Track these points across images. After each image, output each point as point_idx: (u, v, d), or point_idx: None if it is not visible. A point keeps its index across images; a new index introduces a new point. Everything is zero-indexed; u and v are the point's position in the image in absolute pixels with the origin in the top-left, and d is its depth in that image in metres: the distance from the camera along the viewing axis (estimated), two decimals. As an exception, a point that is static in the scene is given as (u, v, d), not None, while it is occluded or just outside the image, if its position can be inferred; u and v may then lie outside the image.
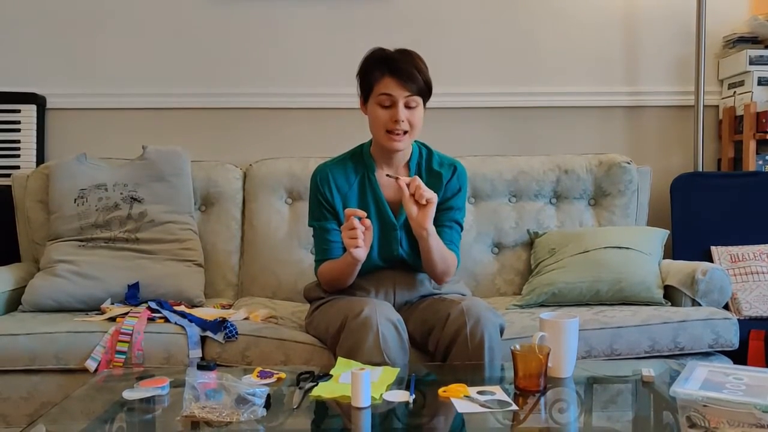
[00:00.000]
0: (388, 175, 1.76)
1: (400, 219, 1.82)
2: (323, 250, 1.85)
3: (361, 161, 1.87)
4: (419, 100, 1.75)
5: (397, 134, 1.74)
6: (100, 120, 2.72)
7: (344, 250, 1.82)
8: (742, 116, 2.60)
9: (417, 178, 1.68)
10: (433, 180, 1.85)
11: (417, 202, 1.67)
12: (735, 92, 2.67)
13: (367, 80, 1.76)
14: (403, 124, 1.73)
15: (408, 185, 1.67)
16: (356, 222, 1.64)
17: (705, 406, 1.27)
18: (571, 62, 2.76)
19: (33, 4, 2.69)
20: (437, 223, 1.85)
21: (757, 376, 1.39)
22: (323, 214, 1.84)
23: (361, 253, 1.67)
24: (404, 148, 1.78)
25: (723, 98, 2.77)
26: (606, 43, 2.77)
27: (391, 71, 1.72)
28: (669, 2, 2.75)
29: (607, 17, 2.76)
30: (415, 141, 1.88)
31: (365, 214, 1.66)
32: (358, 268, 1.75)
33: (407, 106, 1.73)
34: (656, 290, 2.13)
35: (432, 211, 1.68)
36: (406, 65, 1.73)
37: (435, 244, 1.73)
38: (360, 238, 1.64)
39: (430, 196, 1.67)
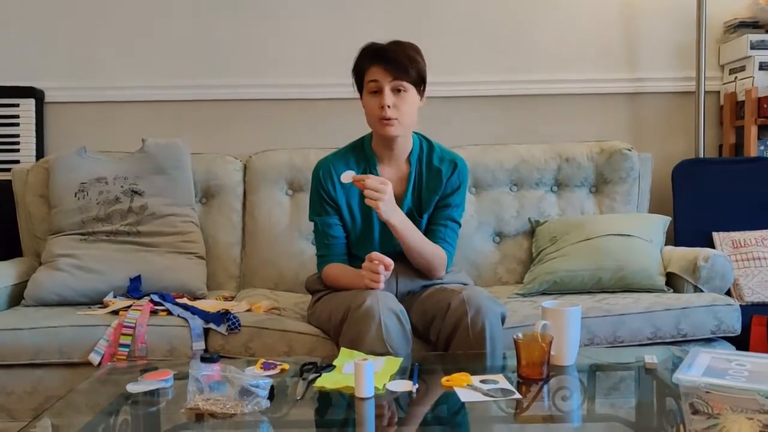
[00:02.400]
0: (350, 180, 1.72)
1: None
2: (325, 245, 1.85)
3: (362, 155, 1.86)
4: (407, 86, 1.74)
5: (387, 119, 1.73)
6: (100, 113, 2.71)
7: (351, 253, 1.87)
8: (743, 102, 2.59)
9: (370, 181, 1.66)
10: (432, 176, 1.85)
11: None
12: (736, 77, 2.66)
13: (358, 72, 1.78)
14: (390, 109, 1.72)
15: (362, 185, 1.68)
16: (381, 269, 1.66)
17: (708, 392, 1.27)
18: (571, 49, 2.75)
19: (29, -3, 2.68)
20: (433, 220, 1.86)
21: (760, 362, 1.39)
22: (325, 208, 1.84)
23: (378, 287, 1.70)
24: (398, 134, 1.77)
25: (724, 84, 2.75)
26: (606, 29, 2.75)
27: (376, 58, 1.74)
28: (669, -13, 2.74)
29: (607, 3, 2.74)
30: (416, 133, 1.88)
31: (392, 264, 1.67)
32: None
33: (395, 92, 1.73)
34: (658, 277, 2.13)
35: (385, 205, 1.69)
36: (393, 53, 1.73)
37: (408, 237, 1.75)
38: (381, 282, 1.68)
39: (374, 199, 1.66)
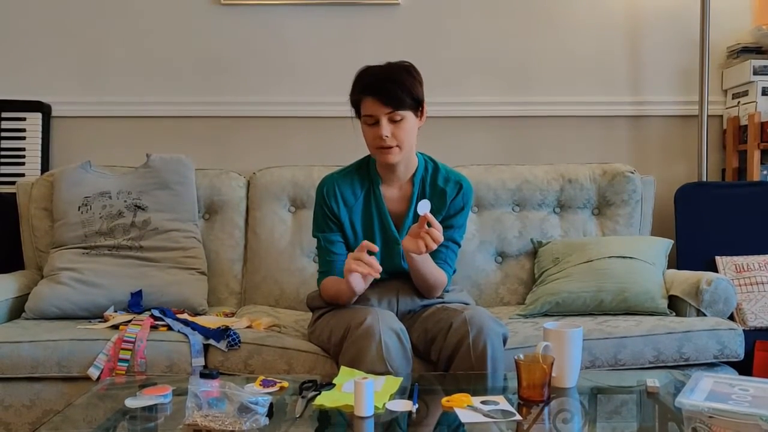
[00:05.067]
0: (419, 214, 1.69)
1: (402, 233, 1.83)
2: (327, 261, 1.85)
3: (366, 174, 1.87)
4: (404, 113, 1.73)
5: (386, 148, 1.74)
6: (105, 128, 2.73)
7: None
8: (746, 126, 2.60)
9: (438, 233, 1.64)
10: (437, 197, 1.85)
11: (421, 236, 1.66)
12: (739, 102, 2.67)
13: (354, 102, 1.79)
14: (388, 139, 1.72)
15: (426, 223, 1.64)
16: (365, 256, 1.63)
17: (711, 417, 1.26)
18: (575, 71, 2.77)
19: (38, 13, 2.71)
20: None
21: (763, 387, 1.38)
22: (328, 225, 1.85)
23: (357, 283, 1.67)
24: (398, 160, 1.78)
25: (727, 108, 2.76)
26: (610, 52, 2.77)
27: (371, 91, 1.72)
28: (672, 12, 2.76)
29: (610, 27, 2.77)
30: (420, 154, 1.89)
31: (376, 249, 1.65)
32: (355, 297, 1.75)
33: (391, 121, 1.73)
34: (660, 300, 2.12)
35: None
36: (386, 82, 1.71)
37: (422, 264, 1.74)
38: (361, 267, 1.62)
39: (435, 246, 1.65)
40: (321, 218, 1.86)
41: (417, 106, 1.76)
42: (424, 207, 1.63)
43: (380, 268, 1.64)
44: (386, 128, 1.72)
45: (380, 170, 1.85)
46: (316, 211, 1.88)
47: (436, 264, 1.82)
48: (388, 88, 1.71)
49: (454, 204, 1.86)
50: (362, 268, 1.62)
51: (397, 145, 1.74)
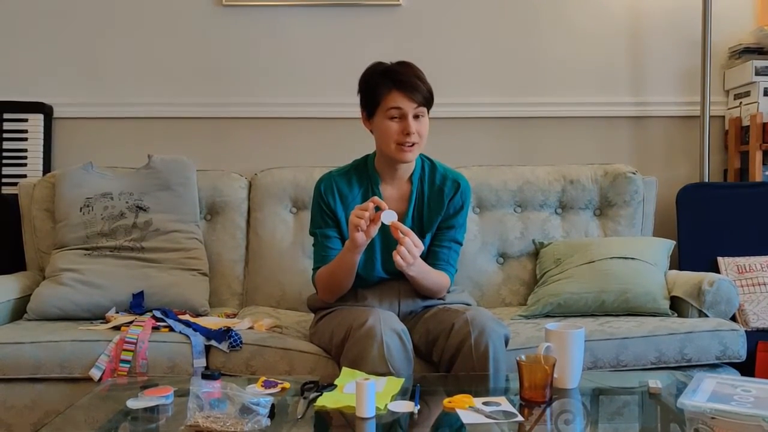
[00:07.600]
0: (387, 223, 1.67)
1: None
2: (322, 257, 1.84)
3: (365, 173, 1.87)
4: (425, 110, 1.77)
5: (408, 146, 1.74)
6: (107, 129, 2.73)
7: None
8: (748, 127, 2.60)
9: (408, 241, 1.62)
10: (434, 195, 1.85)
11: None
12: (741, 103, 2.67)
13: (373, 95, 1.77)
14: (414, 136, 1.74)
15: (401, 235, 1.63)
16: (370, 206, 1.62)
17: (713, 418, 1.26)
18: (576, 72, 2.76)
19: (40, 14, 2.71)
20: (437, 241, 1.85)
21: (765, 389, 1.38)
22: (325, 221, 1.85)
23: (360, 237, 1.65)
24: (414, 159, 1.79)
25: (729, 109, 2.76)
26: (611, 53, 2.77)
27: (397, 84, 1.73)
28: (674, 13, 2.76)
29: (612, 27, 2.77)
30: None
31: (386, 206, 1.64)
32: (357, 259, 1.72)
33: (415, 118, 1.74)
34: (662, 301, 2.12)
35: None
36: (410, 77, 1.74)
37: (417, 273, 1.72)
38: (365, 219, 1.62)
39: (404, 259, 1.63)
40: (318, 215, 1.86)
41: (431, 104, 1.79)
42: (389, 216, 1.63)
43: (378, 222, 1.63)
44: (413, 124, 1.73)
45: (380, 169, 1.85)
46: (313, 208, 1.88)
47: (438, 265, 1.82)
48: (413, 82, 1.73)
49: (453, 203, 1.86)
50: (364, 223, 1.62)
51: (418, 143, 1.76)
